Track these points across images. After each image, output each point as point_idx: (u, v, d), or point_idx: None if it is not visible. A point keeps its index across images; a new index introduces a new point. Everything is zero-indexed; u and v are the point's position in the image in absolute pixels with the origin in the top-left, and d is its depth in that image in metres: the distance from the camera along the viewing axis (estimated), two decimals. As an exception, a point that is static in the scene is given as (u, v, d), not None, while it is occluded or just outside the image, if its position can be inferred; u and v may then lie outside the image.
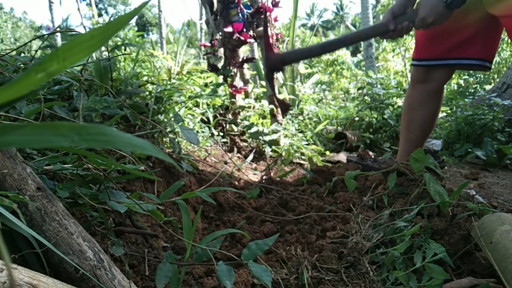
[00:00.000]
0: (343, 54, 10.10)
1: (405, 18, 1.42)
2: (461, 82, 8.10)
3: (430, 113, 1.69)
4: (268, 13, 2.75)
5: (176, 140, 1.82)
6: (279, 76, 4.54)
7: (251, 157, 2.47)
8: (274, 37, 2.86)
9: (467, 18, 1.48)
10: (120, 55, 2.17)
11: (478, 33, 1.50)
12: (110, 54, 1.91)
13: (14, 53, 1.41)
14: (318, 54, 1.61)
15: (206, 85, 2.80)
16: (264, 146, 2.59)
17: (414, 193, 1.24)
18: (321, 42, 1.62)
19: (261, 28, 2.75)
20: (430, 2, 1.35)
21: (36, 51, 1.37)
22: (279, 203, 1.56)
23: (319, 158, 2.37)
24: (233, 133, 2.69)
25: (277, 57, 1.56)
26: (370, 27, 1.55)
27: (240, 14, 2.67)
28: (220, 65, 2.88)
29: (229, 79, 2.80)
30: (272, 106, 2.88)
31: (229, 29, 2.62)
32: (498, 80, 4.39)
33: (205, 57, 3.17)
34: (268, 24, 2.78)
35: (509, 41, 7.67)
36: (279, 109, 2.95)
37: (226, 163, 2.19)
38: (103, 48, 2.11)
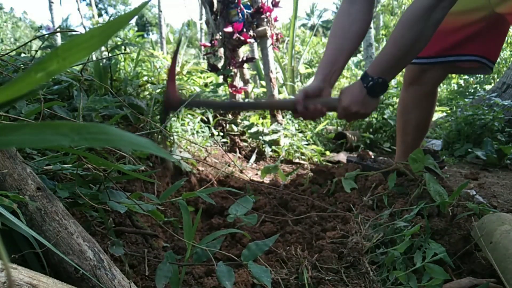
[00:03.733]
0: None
1: (322, 102, 1.29)
2: (461, 82, 8.10)
3: (425, 115, 1.69)
4: (268, 14, 2.75)
5: (176, 140, 1.82)
6: (279, 76, 4.54)
7: (253, 158, 2.47)
8: (274, 37, 2.86)
9: (471, 16, 1.45)
10: (120, 53, 2.17)
11: (480, 31, 1.48)
12: (110, 54, 1.91)
13: (14, 53, 1.41)
14: (224, 109, 1.48)
15: (206, 85, 2.80)
16: (264, 146, 2.59)
17: (414, 193, 1.24)
18: (230, 101, 1.51)
19: (261, 28, 2.75)
20: (352, 91, 1.25)
21: (36, 51, 1.37)
22: (279, 203, 1.56)
23: (319, 157, 2.36)
24: (233, 133, 2.69)
25: (178, 99, 1.30)
26: (284, 100, 1.46)
27: (240, 14, 2.67)
28: (220, 65, 2.89)
29: (229, 79, 2.80)
30: (272, 106, 2.88)
31: (229, 29, 2.63)
32: (498, 80, 4.39)
33: (205, 57, 3.17)
34: (269, 24, 2.78)
35: (509, 40, 7.67)
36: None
37: (228, 164, 2.19)
38: (103, 48, 2.11)
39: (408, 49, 1.17)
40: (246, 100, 1.45)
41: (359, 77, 1.28)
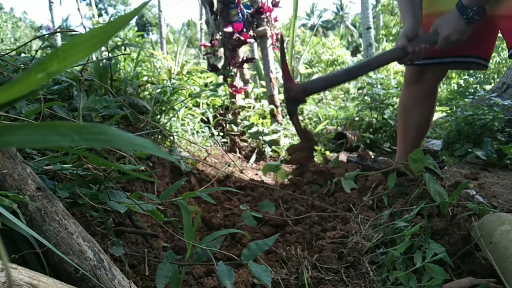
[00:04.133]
0: (343, 54, 10.10)
1: (422, 40, 1.41)
2: (461, 82, 8.11)
3: (425, 114, 1.69)
4: (268, 14, 2.75)
5: (176, 139, 1.82)
6: (279, 76, 4.54)
7: (253, 158, 2.47)
8: (274, 37, 2.86)
9: None
10: (120, 55, 2.17)
11: (474, 32, 1.50)
12: (110, 54, 1.91)
13: (14, 53, 1.41)
14: (342, 81, 1.56)
15: (206, 85, 2.80)
16: (264, 146, 2.59)
17: (414, 193, 1.24)
18: (345, 69, 1.57)
19: (261, 28, 2.75)
20: (451, 21, 1.35)
21: (36, 51, 1.37)
22: (279, 203, 1.56)
23: (320, 156, 2.36)
24: (233, 133, 2.69)
25: (299, 88, 1.48)
26: (388, 52, 1.52)
27: (240, 14, 2.67)
28: (220, 65, 2.89)
29: (229, 79, 2.80)
30: (272, 106, 2.88)
31: (229, 29, 2.63)
32: (498, 80, 4.40)
33: (205, 57, 3.17)
34: (269, 24, 2.78)
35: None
36: (279, 109, 2.95)
37: (228, 164, 2.19)
38: (103, 48, 2.11)
39: None
40: (357, 63, 1.56)
41: (454, 8, 1.36)
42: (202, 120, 2.53)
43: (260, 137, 2.62)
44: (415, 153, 1.35)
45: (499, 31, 1.49)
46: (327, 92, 7.21)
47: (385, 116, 3.23)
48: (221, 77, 2.77)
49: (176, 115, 2.10)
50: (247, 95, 3.18)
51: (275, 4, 2.78)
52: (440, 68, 1.61)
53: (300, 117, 3.74)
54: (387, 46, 11.38)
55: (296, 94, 1.49)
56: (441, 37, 1.37)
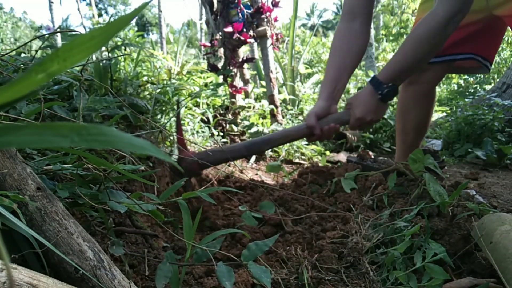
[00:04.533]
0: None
1: (333, 119, 1.33)
2: (461, 82, 8.11)
3: (424, 114, 1.70)
4: (268, 14, 2.75)
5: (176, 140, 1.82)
6: (279, 76, 4.54)
7: (253, 158, 2.47)
8: (274, 37, 2.86)
9: (469, 18, 1.48)
10: (121, 55, 2.17)
11: (476, 32, 1.50)
12: (110, 54, 1.91)
13: (14, 53, 1.41)
14: (241, 156, 1.43)
15: (206, 85, 2.80)
16: (264, 146, 2.59)
17: (414, 194, 1.24)
18: (246, 142, 1.44)
19: (261, 28, 2.75)
20: (363, 101, 1.28)
21: (36, 51, 1.37)
22: (279, 203, 1.56)
23: (324, 159, 2.36)
24: (233, 133, 2.69)
25: (193, 159, 1.33)
26: (296, 129, 1.40)
27: (240, 14, 2.67)
28: (220, 65, 2.88)
29: (229, 79, 2.80)
30: (272, 106, 2.88)
31: (229, 29, 2.62)
32: (498, 80, 4.39)
33: (205, 57, 3.17)
34: (269, 24, 2.78)
35: (509, 40, 7.68)
36: (279, 109, 2.95)
37: (228, 164, 2.19)
38: (103, 48, 2.11)
39: (424, 59, 1.25)
40: (261, 137, 1.42)
41: (366, 85, 1.31)
42: (202, 120, 2.53)
43: (260, 137, 2.62)
44: (415, 153, 1.35)
45: (506, 31, 1.50)
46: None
47: (385, 116, 3.23)
48: (221, 77, 2.77)
49: (175, 115, 2.09)
50: (247, 95, 3.18)
51: (275, 4, 2.78)
52: (440, 68, 1.61)
53: (300, 117, 3.74)
54: (387, 46, 11.38)
55: (189, 165, 1.36)
56: (354, 118, 1.30)
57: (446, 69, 1.67)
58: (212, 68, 2.85)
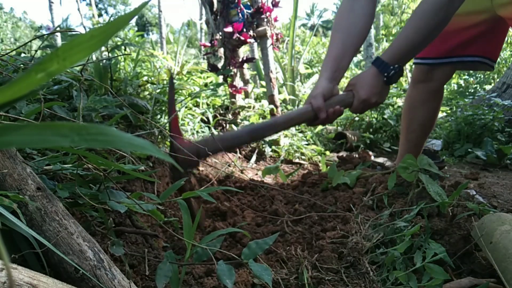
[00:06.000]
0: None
1: (336, 101, 1.23)
2: (461, 82, 8.11)
3: (431, 113, 1.69)
4: (268, 14, 2.75)
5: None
6: (279, 76, 4.54)
7: (254, 158, 2.47)
8: (274, 37, 2.86)
9: (475, 18, 1.48)
10: (120, 55, 2.17)
11: (483, 33, 1.51)
12: (110, 54, 1.91)
13: (14, 53, 1.41)
14: (244, 142, 1.27)
15: (206, 85, 2.80)
16: (264, 146, 2.59)
17: (411, 194, 1.24)
18: (249, 128, 1.28)
19: (261, 28, 2.75)
20: (368, 82, 1.22)
21: (36, 51, 1.37)
22: (279, 203, 1.56)
23: (324, 159, 2.36)
24: (233, 133, 2.69)
25: (192, 148, 1.13)
26: (299, 112, 1.27)
27: (240, 14, 2.67)
28: (220, 65, 2.88)
29: (229, 79, 2.80)
30: (272, 106, 2.88)
31: (229, 29, 2.62)
32: (498, 80, 4.39)
33: (205, 57, 3.17)
34: (269, 24, 2.78)
35: (509, 40, 7.68)
36: (279, 109, 2.95)
37: (228, 164, 2.19)
38: (103, 48, 2.11)
39: (429, 36, 1.18)
40: (263, 121, 1.25)
41: (371, 65, 1.24)
42: (202, 120, 2.53)
43: (260, 137, 2.62)
44: (405, 160, 1.28)
45: (508, 31, 1.49)
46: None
47: (385, 116, 3.23)
48: (221, 77, 2.77)
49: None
50: (247, 95, 3.18)
51: (275, 4, 2.78)
52: (448, 67, 1.62)
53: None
54: (387, 46, 11.37)
55: (187, 155, 1.11)
56: (358, 100, 1.22)
57: (454, 69, 1.67)
58: (212, 68, 2.85)
